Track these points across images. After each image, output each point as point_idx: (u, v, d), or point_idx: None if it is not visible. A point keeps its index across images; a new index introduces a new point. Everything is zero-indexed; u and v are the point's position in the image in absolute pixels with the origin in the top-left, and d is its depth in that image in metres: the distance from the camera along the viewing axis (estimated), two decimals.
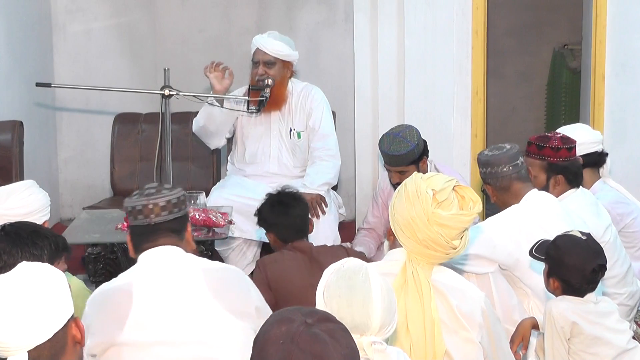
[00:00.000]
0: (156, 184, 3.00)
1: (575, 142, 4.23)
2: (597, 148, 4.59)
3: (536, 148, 4.16)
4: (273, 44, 5.18)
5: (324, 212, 5.15)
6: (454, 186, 2.87)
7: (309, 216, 4.20)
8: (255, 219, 4.21)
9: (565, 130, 4.56)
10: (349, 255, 3.73)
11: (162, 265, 2.85)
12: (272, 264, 3.93)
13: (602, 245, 4.01)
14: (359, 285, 2.38)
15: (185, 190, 4.81)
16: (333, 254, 4.01)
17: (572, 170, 4.19)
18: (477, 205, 2.87)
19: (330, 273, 2.43)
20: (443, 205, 2.83)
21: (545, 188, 4.08)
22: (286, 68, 5.25)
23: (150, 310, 2.77)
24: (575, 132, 4.48)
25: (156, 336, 2.74)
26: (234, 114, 5.25)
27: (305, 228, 4.08)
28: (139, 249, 2.91)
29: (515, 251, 3.66)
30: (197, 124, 5.41)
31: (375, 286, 2.40)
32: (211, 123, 5.30)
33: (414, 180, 2.88)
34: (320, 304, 2.39)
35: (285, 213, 4.04)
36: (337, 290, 2.37)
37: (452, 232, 2.83)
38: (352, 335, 2.29)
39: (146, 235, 2.89)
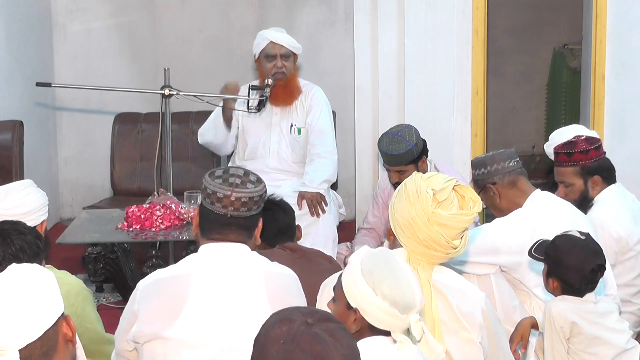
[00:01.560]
0: (242, 172, 2.82)
1: (600, 139, 4.24)
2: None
3: (565, 156, 4.14)
4: (287, 37, 5.28)
5: (324, 211, 5.16)
6: (454, 186, 2.87)
7: (297, 222, 4.20)
8: None
9: (561, 132, 4.56)
10: (333, 266, 3.78)
11: (224, 263, 2.74)
12: None
13: (633, 254, 4.03)
14: (397, 266, 2.44)
15: (184, 190, 4.88)
16: (323, 255, 4.03)
17: (606, 167, 4.22)
18: (477, 204, 2.87)
19: (363, 261, 2.44)
20: (443, 205, 2.82)
21: (584, 192, 4.12)
22: (295, 62, 5.34)
23: (204, 309, 2.67)
24: (571, 132, 4.47)
25: (204, 338, 2.66)
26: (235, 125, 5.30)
27: (290, 233, 4.09)
28: (206, 236, 2.79)
29: (518, 255, 3.66)
30: (202, 137, 5.44)
31: (405, 265, 2.48)
32: (217, 137, 5.35)
33: (414, 180, 2.87)
34: (366, 291, 2.39)
35: (268, 218, 4.05)
36: (382, 273, 2.40)
37: (453, 232, 2.82)
38: (401, 315, 2.36)
39: (217, 225, 2.77)
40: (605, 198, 4.16)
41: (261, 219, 2.88)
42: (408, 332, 2.45)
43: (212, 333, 2.67)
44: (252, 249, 2.84)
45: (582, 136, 4.25)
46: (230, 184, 2.75)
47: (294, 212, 4.18)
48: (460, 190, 2.88)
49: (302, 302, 2.84)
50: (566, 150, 4.15)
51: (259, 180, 2.83)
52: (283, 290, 2.78)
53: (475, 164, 3.95)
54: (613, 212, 4.12)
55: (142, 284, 2.80)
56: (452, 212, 2.81)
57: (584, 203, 4.14)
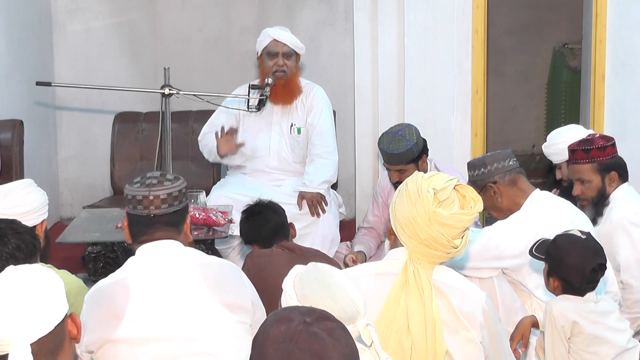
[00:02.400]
0: (158, 174, 2.94)
1: (613, 137, 4.26)
2: None
3: (583, 153, 4.14)
4: (290, 36, 5.27)
5: (324, 211, 5.16)
6: (455, 185, 2.87)
7: (289, 221, 4.20)
8: None
9: (559, 132, 4.58)
10: (331, 264, 3.78)
11: (158, 260, 2.83)
12: (259, 258, 3.95)
13: None
14: (330, 280, 2.41)
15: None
16: (322, 255, 4.03)
17: (621, 164, 4.23)
18: (478, 204, 2.87)
19: (295, 285, 2.40)
20: (444, 204, 2.82)
21: (602, 189, 4.12)
22: (298, 61, 5.34)
23: (146, 306, 2.75)
24: (569, 132, 4.49)
25: (152, 332, 2.73)
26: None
27: (284, 232, 4.09)
28: (136, 240, 2.89)
29: (521, 258, 3.65)
30: (201, 147, 5.44)
31: (338, 273, 2.44)
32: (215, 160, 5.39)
33: (415, 179, 2.87)
34: None
35: (261, 221, 4.05)
36: (317, 294, 2.37)
37: (454, 232, 2.82)
38: (347, 326, 2.29)
39: (144, 226, 2.87)
40: (622, 196, 4.16)
41: (188, 215, 2.98)
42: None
43: (158, 327, 2.74)
44: (186, 246, 2.91)
45: (596, 134, 4.29)
46: (147, 185, 2.87)
47: (284, 211, 4.19)
48: (462, 189, 2.88)
49: (244, 288, 2.90)
50: (583, 147, 4.14)
51: (177, 178, 2.94)
52: (220, 277, 2.85)
53: (474, 165, 3.94)
54: (634, 207, 4.13)
55: (86, 296, 2.89)
56: (453, 212, 2.81)
57: (601, 200, 4.15)
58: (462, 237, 2.85)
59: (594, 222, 4.07)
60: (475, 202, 2.85)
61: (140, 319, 2.74)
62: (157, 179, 2.90)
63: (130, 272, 2.82)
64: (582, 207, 4.14)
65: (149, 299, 2.76)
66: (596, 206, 4.13)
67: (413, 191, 2.83)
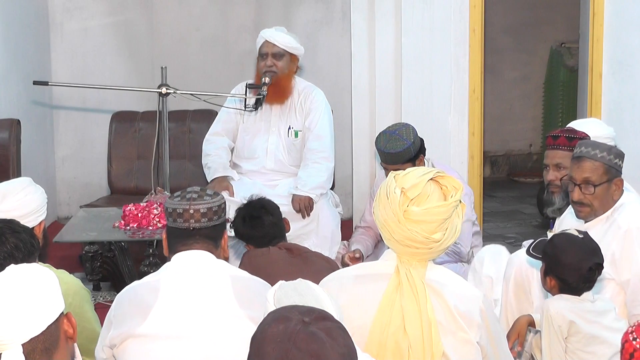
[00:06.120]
0: (198, 188, 3.03)
1: None
2: (611, 144, 4.53)
3: (566, 140, 4.13)
4: (282, 36, 5.27)
5: (308, 214, 5.15)
6: (435, 177, 2.80)
7: (283, 216, 4.20)
8: None
9: (576, 124, 4.48)
10: (331, 266, 3.78)
11: (192, 267, 2.89)
12: (256, 257, 3.94)
13: None
14: (306, 291, 2.41)
15: (181, 188, 4.87)
16: (320, 255, 4.02)
17: None
18: (459, 192, 2.80)
19: (275, 293, 2.42)
20: (417, 200, 2.75)
21: None
22: (293, 62, 5.33)
23: (173, 306, 2.81)
24: (587, 125, 4.37)
25: (175, 331, 2.79)
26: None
27: (281, 232, 4.09)
28: (174, 250, 2.95)
29: None
30: (204, 149, 5.45)
31: (318, 289, 2.44)
32: None
33: (387, 180, 2.82)
34: None
35: (257, 225, 4.05)
36: (291, 299, 2.37)
37: (431, 226, 2.75)
38: None
39: (183, 238, 2.93)
40: None
41: (226, 230, 3.04)
42: None
43: (182, 327, 2.79)
44: (220, 259, 2.98)
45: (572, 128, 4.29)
46: (187, 199, 2.95)
47: (278, 208, 4.18)
48: (442, 180, 2.81)
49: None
50: (567, 135, 4.15)
51: (216, 194, 3.03)
52: (250, 292, 2.88)
53: (618, 153, 3.85)
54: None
55: (118, 295, 2.97)
56: (427, 207, 2.74)
57: None
58: (446, 229, 2.79)
59: (561, 211, 4.09)
60: (457, 190, 2.80)
61: (166, 317, 2.80)
62: (198, 193, 2.98)
63: (163, 275, 2.89)
64: (552, 194, 4.15)
65: (177, 300, 2.82)
66: (568, 195, 4.14)
67: (383, 194, 2.80)
